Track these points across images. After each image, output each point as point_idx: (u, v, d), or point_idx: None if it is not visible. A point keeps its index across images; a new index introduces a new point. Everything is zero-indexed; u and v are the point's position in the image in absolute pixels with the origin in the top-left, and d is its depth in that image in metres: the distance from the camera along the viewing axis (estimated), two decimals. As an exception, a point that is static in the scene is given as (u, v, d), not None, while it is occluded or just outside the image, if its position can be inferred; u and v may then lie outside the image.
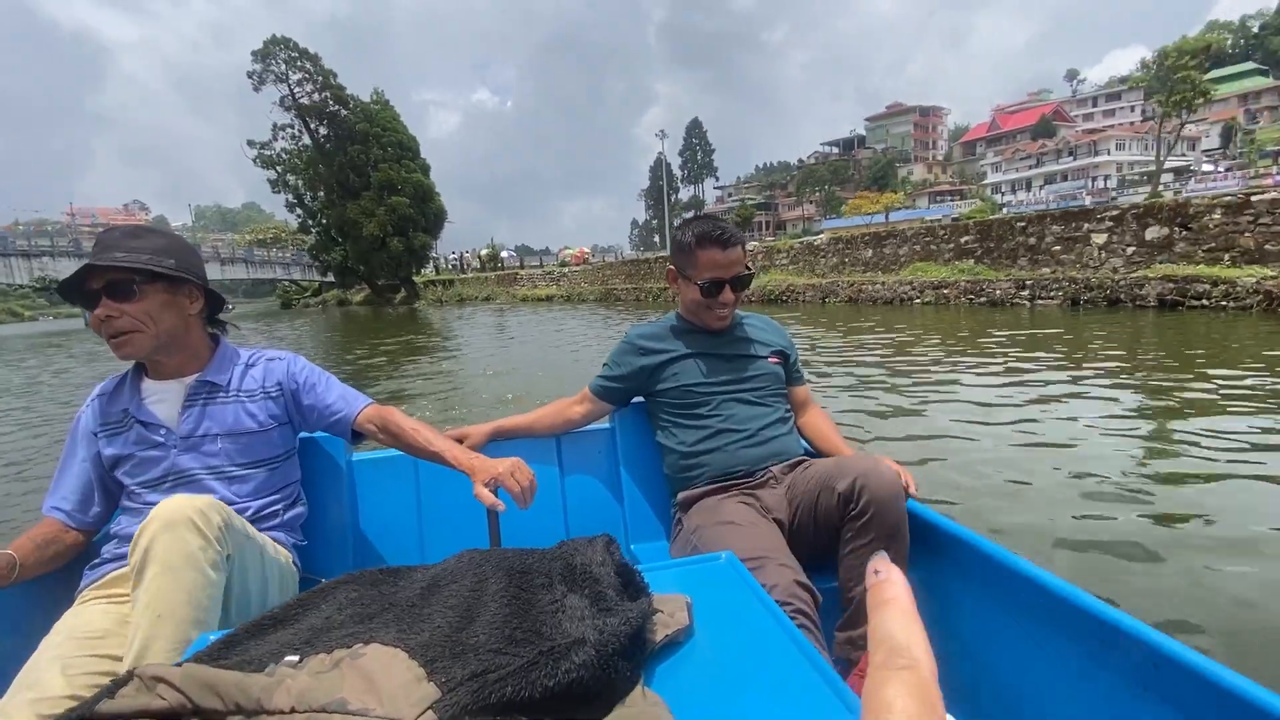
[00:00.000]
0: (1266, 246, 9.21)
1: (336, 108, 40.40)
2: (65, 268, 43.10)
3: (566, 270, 35.25)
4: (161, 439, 1.30)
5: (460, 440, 1.51)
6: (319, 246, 44.90)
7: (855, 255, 16.74)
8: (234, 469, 1.33)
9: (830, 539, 1.31)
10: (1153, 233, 10.53)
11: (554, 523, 1.70)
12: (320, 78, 40.09)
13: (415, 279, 43.86)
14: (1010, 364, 6.16)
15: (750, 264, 1.57)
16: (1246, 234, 9.40)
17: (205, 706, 0.56)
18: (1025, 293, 11.59)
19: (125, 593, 1.07)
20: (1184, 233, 10.11)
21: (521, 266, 43.88)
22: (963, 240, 13.83)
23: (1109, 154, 60.25)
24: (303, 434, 1.51)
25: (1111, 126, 65.65)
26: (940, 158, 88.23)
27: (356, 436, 1.45)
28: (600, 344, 10.95)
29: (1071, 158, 62.67)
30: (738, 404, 1.53)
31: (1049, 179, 61.32)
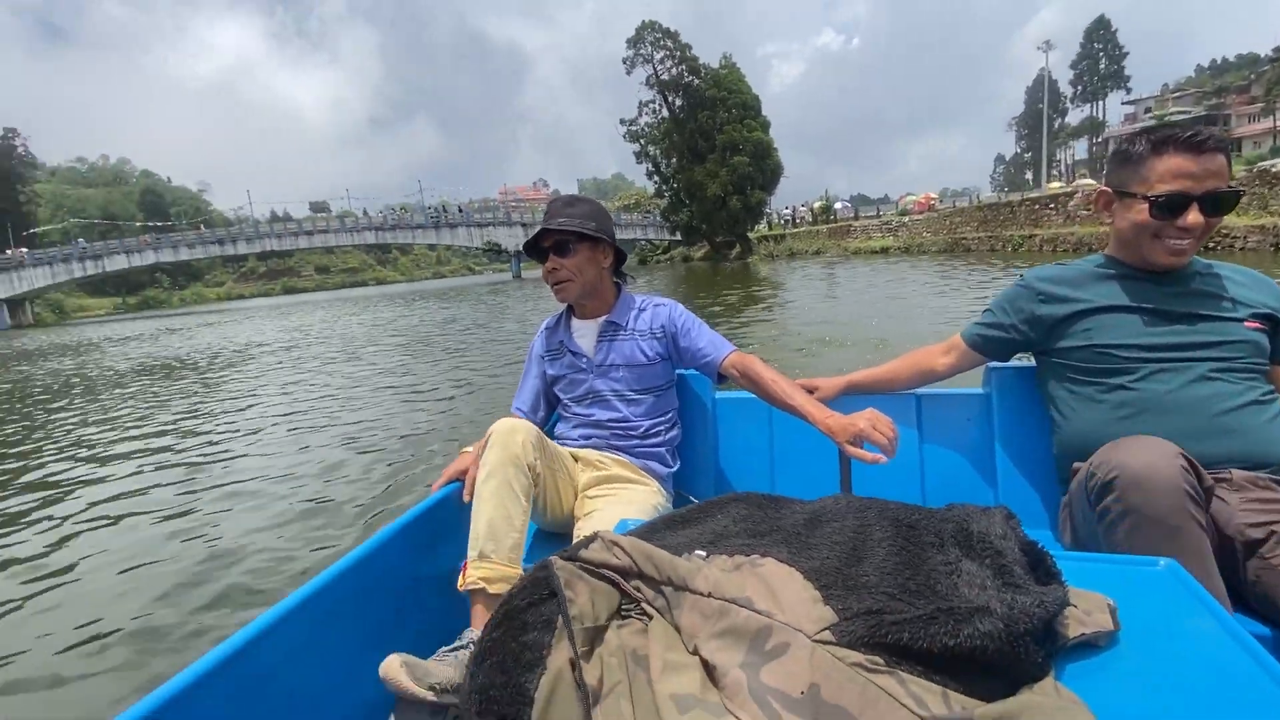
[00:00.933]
0: None
1: (690, 78, 44.42)
2: (503, 234, 58.31)
3: (906, 220, 32.78)
4: (584, 366, 1.64)
5: (810, 391, 1.49)
6: (670, 208, 50.69)
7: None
8: (631, 393, 1.62)
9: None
10: None
11: (909, 484, 1.59)
12: (679, 52, 44.49)
13: (750, 234, 46.32)
14: None
15: (1238, 182, 0.98)
16: None
17: (646, 572, 0.67)
18: None
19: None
20: None
21: (856, 218, 42.26)
22: None
23: None
24: (679, 370, 1.73)
25: None
26: None
27: (721, 379, 1.59)
28: (942, 300, 10.52)
29: None
30: (1181, 377, 1.15)
31: None
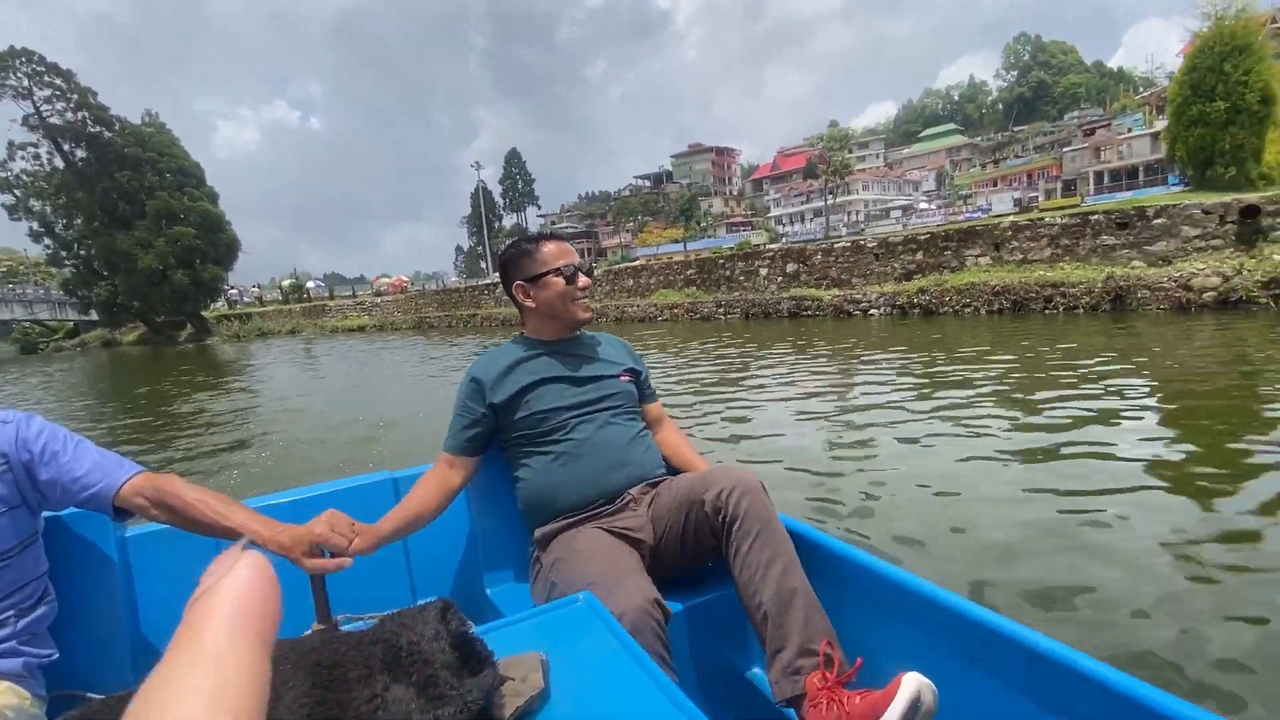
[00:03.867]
0: (842, 276, 14.27)
1: (99, 129, 36.73)
2: None
3: (380, 300, 35.70)
4: None
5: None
6: (77, 281, 39.93)
7: (620, 284, 20.56)
8: None
9: (701, 553, 1.31)
10: (790, 267, 15.40)
11: (398, 583, 1.54)
12: (75, 95, 36.24)
13: (205, 313, 40.80)
14: (726, 354, 9.64)
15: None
16: (833, 269, 14.42)
17: None
18: (720, 310, 16.01)
19: None
20: (804, 267, 15.04)
21: (331, 297, 42.90)
22: (688, 273, 18.24)
23: (858, 193, 73.51)
24: (47, 514, 1.17)
25: (863, 169, 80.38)
26: (735, 192, 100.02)
27: (121, 514, 1.13)
28: (406, 361, 12.96)
29: (831, 196, 75.34)
30: (593, 426, 1.45)
31: (817, 213, 73.21)
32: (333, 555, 1.09)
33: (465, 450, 1.47)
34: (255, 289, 49.01)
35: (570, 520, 1.39)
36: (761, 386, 6.95)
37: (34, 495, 1.10)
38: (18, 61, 34.95)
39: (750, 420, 5.35)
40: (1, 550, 1.06)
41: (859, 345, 9.39)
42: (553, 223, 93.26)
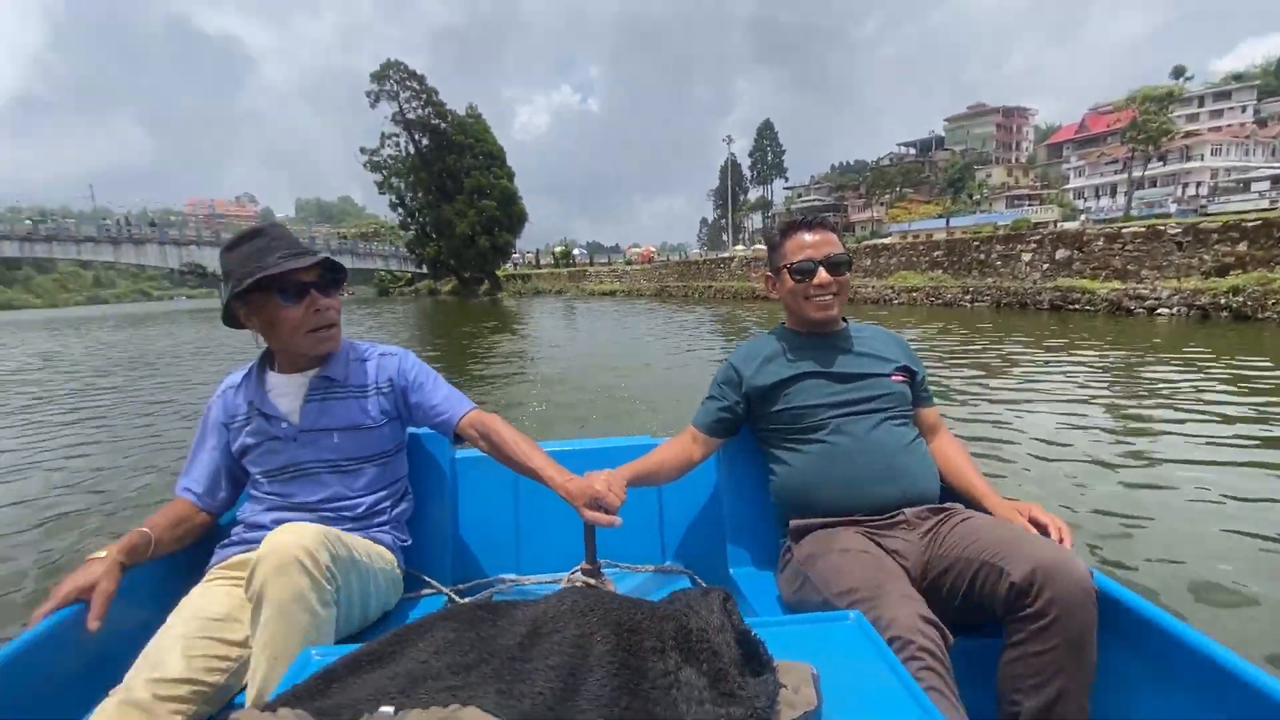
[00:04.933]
0: (1128, 267, 12.03)
1: (437, 121, 46.45)
2: (209, 255, 51.79)
3: (630, 268, 39.56)
4: (282, 432, 1.31)
5: None
6: (416, 242, 51.25)
7: (856, 264, 19.95)
8: (348, 463, 1.34)
9: (969, 614, 1.12)
10: (1061, 254, 13.42)
11: (650, 542, 1.65)
12: (425, 95, 46.18)
13: (497, 273, 49.54)
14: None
15: (847, 249, 1.46)
16: (1117, 258, 12.23)
17: None
18: (967, 297, 14.71)
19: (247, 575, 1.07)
20: (1079, 254, 12.99)
21: (591, 263, 48.61)
22: (935, 254, 16.93)
23: (1203, 159, 57.79)
24: (410, 429, 1.50)
25: (1219, 128, 62.34)
26: (1024, 159, 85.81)
27: (458, 439, 1.42)
28: (643, 327, 14.83)
29: (1161, 163, 60.30)
30: (859, 427, 1.37)
31: (1136, 184, 59.46)
32: (605, 511, 1.21)
33: (712, 431, 1.50)
34: (531, 254, 57.74)
35: (830, 520, 1.34)
36: (1009, 389, 6.00)
37: (405, 412, 1.42)
38: (391, 72, 45.64)
39: (996, 423, 4.68)
40: (383, 450, 1.38)
41: (1145, 349, 7.88)
42: (799, 195, 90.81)
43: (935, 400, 1.55)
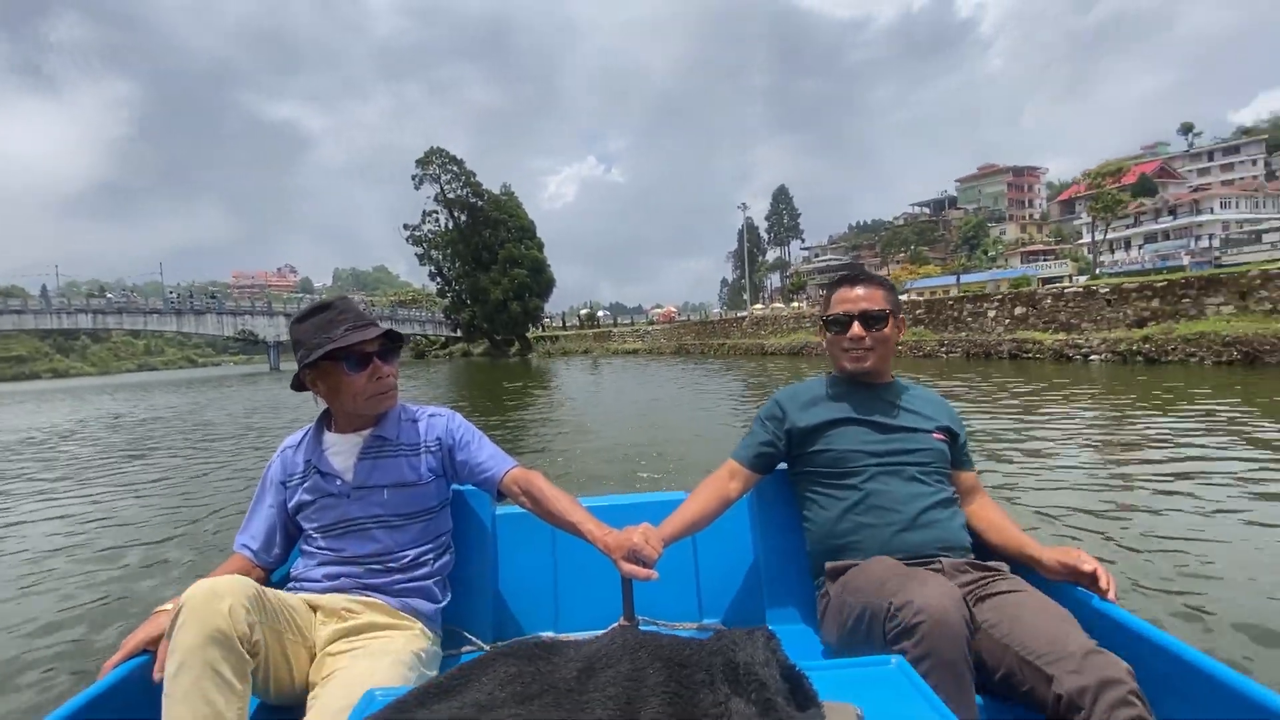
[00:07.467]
0: (1071, 320, 14.07)
1: (475, 200, 51.15)
2: (262, 324, 56.36)
3: (651, 328, 42.31)
4: (336, 489, 1.37)
5: None
6: (453, 307, 55.21)
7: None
8: (396, 519, 1.39)
9: (1000, 695, 1.12)
10: (1019, 310, 15.57)
11: (687, 595, 1.66)
12: (464, 177, 51.09)
13: (528, 335, 52.87)
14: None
15: (889, 306, 1.49)
16: (1062, 313, 14.31)
17: None
18: (942, 348, 16.82)
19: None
20: (1033, 310, 15.11)
21: (615, 324, 51.68)
22: (916, 313, 19.17)
23: (1212, 212, 59.16)
24: (454, 486, 1.55)
25: (1229, 182, 63.62)
26: (1036, 216, 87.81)
27: (501, 495, 1.48)
28: (656, 379, 16.92)
29: (1172, 217, 61.62)
30: (895, 479, 1.38)
31: (1149, 238, 60.70)
32: (643, 564, 1.23)
33: (752, 465, 1.52)
34: (558, 315, 61.19)
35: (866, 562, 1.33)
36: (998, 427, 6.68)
37: (451, 469, 1.49)
38: (434, 157, 50.75)
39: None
40: (429, 506, 1.45)
41: (1083, 388, 9.43)
42: (816, 255, 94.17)
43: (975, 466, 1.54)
